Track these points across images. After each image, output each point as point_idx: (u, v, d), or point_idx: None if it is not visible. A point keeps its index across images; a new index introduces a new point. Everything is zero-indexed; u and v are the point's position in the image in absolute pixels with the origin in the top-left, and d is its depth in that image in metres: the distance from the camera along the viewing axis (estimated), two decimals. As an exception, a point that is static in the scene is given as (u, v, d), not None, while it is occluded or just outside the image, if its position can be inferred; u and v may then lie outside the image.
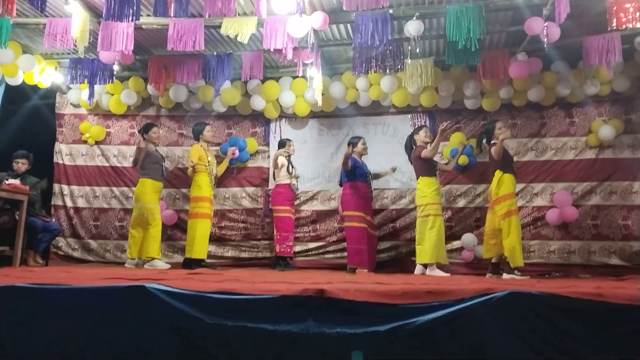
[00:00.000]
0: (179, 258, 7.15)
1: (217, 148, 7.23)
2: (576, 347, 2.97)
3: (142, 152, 6.29)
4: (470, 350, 2.99)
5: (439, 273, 5.78)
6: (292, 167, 6.73)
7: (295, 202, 7.09)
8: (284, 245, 6.54)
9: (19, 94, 7.18)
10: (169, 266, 6.21)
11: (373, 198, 6.68)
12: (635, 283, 4.32)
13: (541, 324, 3.01)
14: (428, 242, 5.86)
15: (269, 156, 7.40)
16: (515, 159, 6.68)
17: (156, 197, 6.38)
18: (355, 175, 6.29)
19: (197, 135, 6.59)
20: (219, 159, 7.02)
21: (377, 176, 6.67)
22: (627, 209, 6.59)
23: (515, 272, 5.51)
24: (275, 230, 6.64)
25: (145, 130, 6.54)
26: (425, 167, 6.06)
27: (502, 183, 5.64)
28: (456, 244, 6.74)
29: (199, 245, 6.31)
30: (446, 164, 6.61)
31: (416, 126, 6.95)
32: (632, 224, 6.55)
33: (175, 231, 7.31)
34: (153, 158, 6.40)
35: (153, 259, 6.17)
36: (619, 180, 6.64)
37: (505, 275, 5.51)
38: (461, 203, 6.97)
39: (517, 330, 3.00)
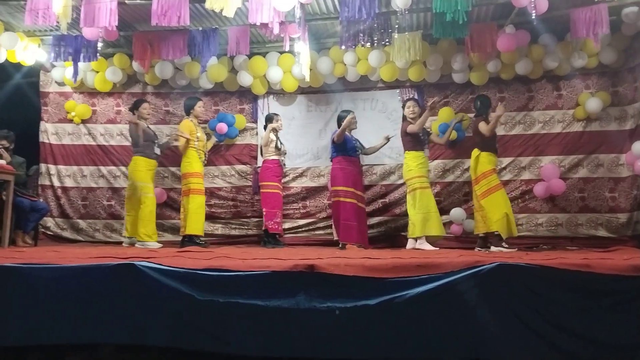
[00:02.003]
0: (168, 236, 7.14)
1: (205, 125, 7.16)
2: (564, 317, 3.03)
3: (140, 128, 6.25)
4: (459, 322, 3.03)
5: (427, 247, 5.82)
6: (281, 143, 6.69)
7: (284, 179, 7.08)
8: (272, 222, 6.47)
9: (2, 72, 7.06)
10: (160, 245, 6.18)
11: (363, 173, 6.69)
12: (622, 254, 4.39)
13: (529, 295, 3.06)
14: (415, 216, 5.91)
15: (257, 133, 7.36)
16: (502, 132, 6.74)
17: (149, 175, 6.33)
18: (345, 149, 6.25)
19: (188, 110, 6.53)
20: (209, 137, 6.96)
21: (372, 150, 6.61)
22: (614, 181, 6.64)
23: (503, 244, 5.59)
24: (263, 206, 6.61)
25: (135, 106, 6.49)
26: (412, 141, 6.08)
27: (479, 162, 5.79)
28: (445, 218, 6.74)
29: (192, 220, 6.26)
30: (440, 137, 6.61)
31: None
32: (618, 196, 6.60)
33: (164, 210, 7.27)
34: (145, 135, 6.35)
35: (144, 240, 6.15)
36: (606, 152, 6.67)
37: (493, 248, 5.59)
38: (450, 177, 6.99)
39: (506, 301, 3.05)
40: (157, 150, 6.47)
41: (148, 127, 6.50)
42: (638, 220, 6.38)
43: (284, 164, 6.80)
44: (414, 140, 6.07)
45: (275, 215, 6.50)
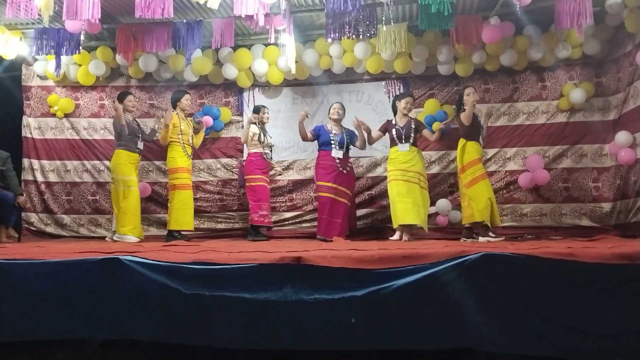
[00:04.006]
0: (154, 231, 7.13)
1: (190, 119, 7.09)
2: (548, 306, 3.05)
3: (122, 117, 6.17)
4: (445, 311, 3.05)
5: (394, 237, 5.97)
6: (264, 135, 6.65)
7: (271, 172, 7.06)
8: (258, 214, 6.46)
9: (-17, 66, 6.98)
10: (137, 240, 6.08)
11: (347, 166, 6.64)
12: (606, 243, 4.43)
13: (514, 284, 3.08)
14: (391, 207, 6.04)
15: (242, 126, 7.32)
16: (488, 123, 6.75)
17: (131, 168, 6.24)
18: (320, 144, 6.36)
19: (174, 103, 6.52)
20: (195, 131, 6.82)
21: (360, 143, 6.44)
22: (597, 171, 6.71)
23: (490, 234, 5.62)
24: (248, 200, 6.60)
25: (120, 98, 6.41)
26: (390, 138, 6.17)
27: (465, 151, 5.82)
28: (431, 209, 6.76)
29: (175, 216, 6.25)
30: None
31: (390, 93, 7.07)
32: (602, 186, 6.67)
33: (149, 204, 7.24)
34: (129, 129, 6.27)
35: (123, 234, 6.08)
36: (590, 143, 6.73)
37: (480, 239, 5.62)
38: (435, 169, 7.01)
39: (491, 291, 3.07)
40: (140, 145, 6.38)
41: (133, 120, 6.44)
42: (621, 209, 6.44)
43: (270, 158, 6.75)
44: (391, 137, 6.14)
45: (260, 207, 6.48)
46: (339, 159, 6.27)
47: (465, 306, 3.02)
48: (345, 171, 6.31)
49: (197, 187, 7.18)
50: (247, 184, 6.63)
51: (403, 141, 6.05)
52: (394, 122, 6.18)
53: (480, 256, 3.10)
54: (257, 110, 6.73)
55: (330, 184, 6.21)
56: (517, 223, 6.80)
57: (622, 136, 6.20)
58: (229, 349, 3.19)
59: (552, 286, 3.08)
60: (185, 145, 6.39)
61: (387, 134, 6.22)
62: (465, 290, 3.04)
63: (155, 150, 7.22)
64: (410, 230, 5.95)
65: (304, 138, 6.44)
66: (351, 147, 6.48)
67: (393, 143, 6.12)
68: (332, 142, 6.30)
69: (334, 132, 6.34)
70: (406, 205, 5.88)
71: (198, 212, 7.12)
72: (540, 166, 6.64)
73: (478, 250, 3.19)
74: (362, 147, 6.47)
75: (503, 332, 3.02)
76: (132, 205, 6.16)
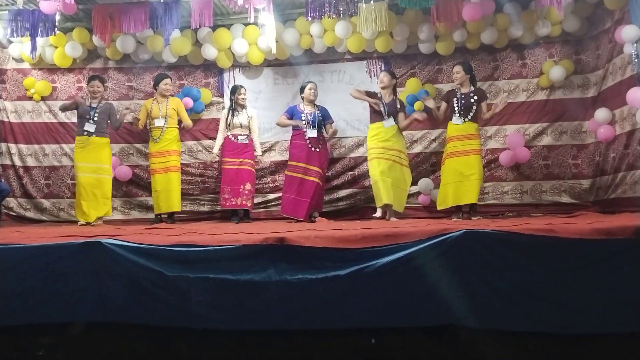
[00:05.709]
0: (135, 214, 7.08)
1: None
2: (530, 281, 3.09)
3: (73, 103, 6.22)
4: (428, 288, 3.08)
5: (377, 214, 6.00)
6: (233, 117, 6.46)
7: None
8: (222, 198, 6.43)
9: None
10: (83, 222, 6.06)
11: (330, 147, 6.62)
12: (585, 219, 4.49)
13: (496, 260, 3.11)
14: (373, 186, 6.09)
15: (223, 107, 7.24)
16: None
17: (80, 153, 6.15)
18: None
19: (154, 86, 6.55)
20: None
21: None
22: (577, 148, 6.78)
23: (453, 215, 5.90)
24: None
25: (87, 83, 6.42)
26: (370, 113, 6.18)
27: (446, 132, 6.06)
28: (413, 188, 6.80)
29: (153, 200, 6.46)
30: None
31: (372, 73, 7.10)
32: (581, 163, 6.75)
33: (130, 187, 7.19)
34: (80, 111, 6.21)
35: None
36: (569, 120, 6.78)
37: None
38: (417, 148, 7.02)
39: (473, 267, 3.10)
40: (89, 127, 6.15)
41: (100, 102, 6.31)
42: (600, 186, 6.53)
43: (242, 140, 6.48)
44: (371, 112, 6.14)
45: (222, 190, 6.43)
46: (309, 138, 6.27)
47: (448, 283, 3.05)
48: (317, 150, 6.29)
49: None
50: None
51: (388, 116, 6.05)
52: (380, 95, 6.15)
53: (461, 233, 3.13)
54: (232, 90, 6.59)
55: (301, 164, 6.23)
56: (498, 201, 6.87)
57: (601, 113, 6.25)
58: (213, 330, 3.19)
59: (532, 262, 3.12)
60: (153, 130, 6.39)
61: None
62: (447, 267, 3.07)
63: (134, 133, 7.14)
64: (394, 210, 5.99)
65: (287, 126, 6.55)
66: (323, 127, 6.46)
67: (374, 119, 6.09)
68: (304, 121, 6.28)
69: (306, 111, 6.32)
70: (387, 184, 5.90)
71: (181, 195, 7.07)
72: (520, 144, 6.69)
73: (460, 227, 3.22)
74: (332, 137, 6.54)
75: (485, 308, 3.06)
76: (77, 189, 6.15)
